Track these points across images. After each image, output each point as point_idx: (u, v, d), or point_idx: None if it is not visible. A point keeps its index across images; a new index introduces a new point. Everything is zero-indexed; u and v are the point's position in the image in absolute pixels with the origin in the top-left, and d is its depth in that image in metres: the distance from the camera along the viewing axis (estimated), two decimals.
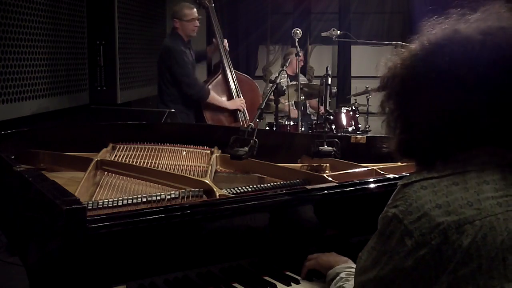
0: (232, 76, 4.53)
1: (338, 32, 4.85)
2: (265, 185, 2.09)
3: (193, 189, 1.90)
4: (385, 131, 1.24)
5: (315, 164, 2.49)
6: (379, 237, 1.13)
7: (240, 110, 4.48)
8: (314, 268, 1.67)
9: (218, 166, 2.46)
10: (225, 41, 4.59)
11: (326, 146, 2.38)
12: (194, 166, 2.41)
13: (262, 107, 2.53)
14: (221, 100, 4.47)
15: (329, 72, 3.46)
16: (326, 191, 1.87)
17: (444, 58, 1.09)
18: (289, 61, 4.54)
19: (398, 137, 1.20)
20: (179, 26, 4.42)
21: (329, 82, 3.36)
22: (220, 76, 4.54)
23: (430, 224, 1.04)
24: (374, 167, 2.24)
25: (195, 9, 4.44)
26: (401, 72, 1.17)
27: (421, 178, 1.11)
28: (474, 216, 1.04)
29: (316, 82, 6.04)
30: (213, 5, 4.58)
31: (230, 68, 4.53)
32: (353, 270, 1.50)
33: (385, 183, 1.95)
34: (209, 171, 2.21)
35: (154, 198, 1.82)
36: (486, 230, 1.03)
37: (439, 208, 1.05)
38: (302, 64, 6.24)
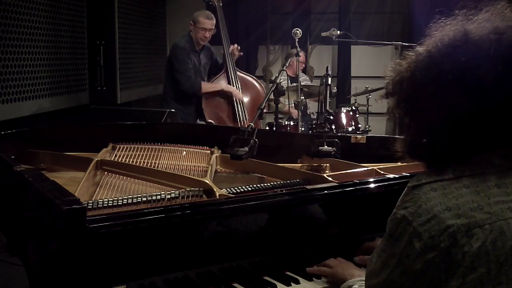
0: (234, 76, 4.56)
1: (338, 32, 4.85)
2: (265, 185, 2.09)
3: (193, 188, 1.90)
4: (396, 133, 1.22)
5: (315, 164, 2.49)
6: (388, 239, 1.12)
7: (236, 102, 4.48)
8: (328, 276, 1.66)
9: (218, 166, 2.46)
10: (233, 46, 4.62)
11: (326, 146, 2.38)
12: (194, 166, 2.40)
13: (262, 107, 2.53)
14: (215, 84, 4.53)
15: (329, 72, 3.46)
16: (326, 191, 1.87)
17: (460, 59, 1.07)
18: (289, 61, 4.54)
19: (410, 140, 1.18)
20: (192, 29, 4.55)
21: (329, 82, 3.36)
22: (222, 75, 4.58)
23: (439, 227, 1.03)
24: (374, 167, 2.24)
25: (210, 21, 4.50)
26: (412, 75, 1.14)
27: (431, 180, 1.09)
28: (484, 220, 1.02)
29: (316, 82, 6.04)
30: (221, 4, 4.61)
31: (233, 68, 4.56)
32: None
33: (385, 183, 1.95)
34: (209, 171, 2.21)
35: (154, 198, 1.82)
36: (496, 234, 1.02)
37: (449, 210, 1.04)
38: (303, 65, 6.24)
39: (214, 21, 4.52)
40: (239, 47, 4.66)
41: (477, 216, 1.03)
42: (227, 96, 4.51)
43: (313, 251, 1.81)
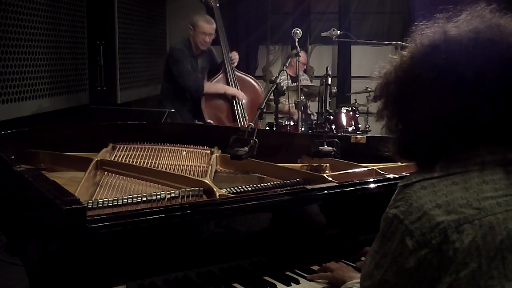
0: (233, 76, 4.56)
1: (338, 32, 4.84)
2: (265, 185, 2.09)
3: (193, 188, 1.90)
4: (386, 133, 1.24)
5: (315, 164, 2.49)
6: (381, 239, 1.13)
7: (236, 102, 4.48)
8: (328, 281, 1.66)
9: (218, 166, 2.46)
10: (234, 54, 4.63)
11: (326, 146, 2.38)
12: (194, 166, 2.41)
13: (262, 107, 2.53)
14: (218, 86, 4.51)
15: (329, 72, 3.45)
16: (326, 191, 1.87)
17: (440, 57, 1.10)
18: (289, 61, 4.54)
19: (398, 141, 1.21)
20: (191, 34, 4.51)
21: (329, 82, 3.36)
22: (221, 75, 4.58)
23: (430, 224, 1.04)
24: (374, 167, 2.24)
25: (210, 25, 4.47)
26: (396, 77, 1.17)
27: (421, 178, 1.11)
28: (473, 216, 1.04)
29: (316, 82, 6.04)
30: (218, 5, 4.61)
31: (231, 69, 4.55)
32: None
33: (385, 183, 1.95)
34: (209, 171, 2.21)
35: (154, 198, 1.82)
36: (485, 229, 1.03)
37: (439, 207, 1.05)
38: (304, 67, 6.22)
39: (214, 26, 4.50)
40: (237, 55, 4.66)
41: (466, 212, 1.04)
42: (227, 97, 4.51)
43: (313, 251, 1.81)
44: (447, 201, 1.06)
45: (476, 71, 1.07)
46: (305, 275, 1.71)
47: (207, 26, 4.46)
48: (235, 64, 4.64)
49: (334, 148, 2.37)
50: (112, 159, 2.36)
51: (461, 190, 1.07)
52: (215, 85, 4.51)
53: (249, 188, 2.00)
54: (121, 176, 2.12)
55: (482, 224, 1.03)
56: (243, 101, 4.55)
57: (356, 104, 5.45)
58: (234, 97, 4.48)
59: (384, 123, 1.23)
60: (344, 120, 5.14)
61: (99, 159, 2.23)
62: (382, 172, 2.18)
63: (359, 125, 5.22)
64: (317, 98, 4.68)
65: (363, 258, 1.81)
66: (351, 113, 5.19)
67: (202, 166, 2.40)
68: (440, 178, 1.10)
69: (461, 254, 1.02)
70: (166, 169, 2.29)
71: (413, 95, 1.15)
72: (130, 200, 1.79)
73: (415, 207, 1.07)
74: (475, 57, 1.08)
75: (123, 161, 2.33)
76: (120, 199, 1.79)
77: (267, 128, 4.93)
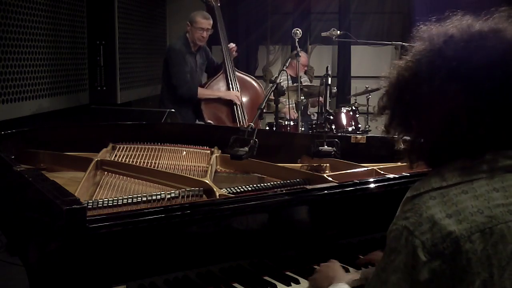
0: (233, 76, 4.55)
1: (338, 32, 4.84)
2: (265, 185, 2.09)
3: (193, 188, 1.90)
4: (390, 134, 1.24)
5: (315, 164, 2.49)
6: (389, 253, 1.09)
7: (235, 103, 4.48)
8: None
9: (218, 166, 2.46)
10: (233, 45, 4.62)
11: (326, 146, 2.38)
12: (194, 166, 2.41)
13: (262, 107, 2.53)
14: (213, 92, 4.51)
15: (329, 72, 3.45)
16: (326, 191, 1.87)
17: (445, 58, 1.09)
18: (289, 61, 4.54)
19: (408, 144, 1.20)
20: (188, 30, 4.52)
21: (329, 82, 3.36)
22: (221, 75, 4.57)
23: (441, 234, 1.02)
24: (374, 167, 2.24)
25: (208, 21, 4.48)
26: (400, 82, 1.17)
27: (429, 188, 1.09)
28: (485, 224, 1.02)
29: (316, 82, 6.04)
30: (219, 5, 4.61)
31: (232, 69, 4.55)
32: None
33: (385, 183, 1.95)
34: (209, 171, 2.21)
35: (154, 198, 1.82)
36: (497, 238, 1.01)
37: (450, 217, 1.03)
38: (305, 68, 6.22)
39: (211, 21, 4.51)
40: (236, 48, 4.66)
41: (478, 220, 1.02)
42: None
43: (313, 251, 1.81)
44: (457, 210, 1.04)
45: (479, 71, 1.06)
46: (305, 275, 1.71)
47: (205, 22, 4.46)
48: (234, 56, 4.62)
49: (334, 148, 2.37)
50: (112, 159, 2.36)
51: (471, 198, 1.05)
52: (210, 91, 4.50)
53: (249, 188, 2.00)
54: (121, 176, 2.12)
55: (493, 232, 1.02)
56: (243, 100, 4.55)
57: (356, 104, 5.45)
58: (233, 101, 4.48)
59: (392, 134, 1.23)
60: (344, 120, 5.14)
61: (99, 159, 2.23)
62: (382, 172, 2.18)
63: (359, 125, 5.22)
64: (316, 101, 4.68)
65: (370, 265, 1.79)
66: (351, 113, 5.19)
67: (202, 166, 2.40)
68: (449, 187, 1.08)
69: (475, 263, 1.00)
70: (166, 169, 2.29)
71: (417, 99, 1.13)
72: (130, 200, 1.79)
73: (425, 217, 1.05)
74: (478, 58, 1.07)
75: (123, 161, 2.33)
76: (120, 199, 1.79)
77: (267, 128, 4.93)
